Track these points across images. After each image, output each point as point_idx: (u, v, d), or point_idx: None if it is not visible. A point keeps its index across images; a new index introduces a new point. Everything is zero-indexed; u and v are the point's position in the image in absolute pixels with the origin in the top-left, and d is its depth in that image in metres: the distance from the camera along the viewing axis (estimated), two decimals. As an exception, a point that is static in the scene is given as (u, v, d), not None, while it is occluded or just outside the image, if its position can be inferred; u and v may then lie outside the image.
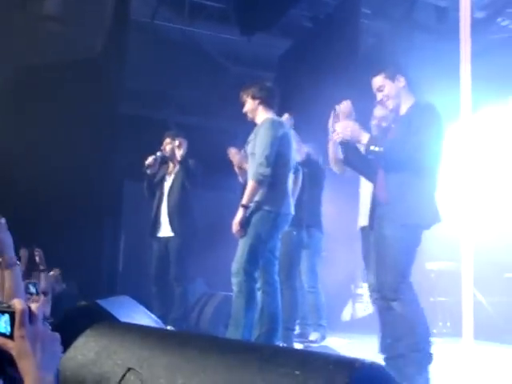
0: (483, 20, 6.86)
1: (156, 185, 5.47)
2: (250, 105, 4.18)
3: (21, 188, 4.95)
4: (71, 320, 3.01)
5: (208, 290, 5.75)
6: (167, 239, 5.32)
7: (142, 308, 3.69)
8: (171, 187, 5.43)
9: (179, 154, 5.33)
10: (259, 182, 3.89)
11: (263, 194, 3.91)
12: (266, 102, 4.17)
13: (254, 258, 3.89)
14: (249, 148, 4.10)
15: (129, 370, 1.67)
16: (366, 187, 4.40)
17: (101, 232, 5.62)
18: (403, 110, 3.50)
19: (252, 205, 3.90)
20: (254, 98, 4.16)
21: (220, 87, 6.95)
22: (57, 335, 1.20)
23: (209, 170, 6.54)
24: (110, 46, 6.03)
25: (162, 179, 5.47)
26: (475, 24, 6.93)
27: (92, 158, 5.44)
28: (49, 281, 4.10)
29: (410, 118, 3.43)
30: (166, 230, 5.35)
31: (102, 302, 3.14)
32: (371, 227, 3.57)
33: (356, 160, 3.69)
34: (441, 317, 6.53)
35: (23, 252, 4.24)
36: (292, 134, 4.83)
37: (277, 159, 3.95)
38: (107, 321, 2.34)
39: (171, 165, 5.50)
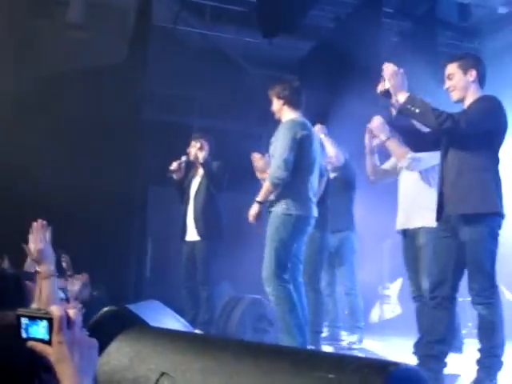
0: (507, 15, 6.78)
1: (184, 189, 5.50)
2: (275, 104, 4.18)
3: (47, 193, 4.99)
4: (102, 325, 3.04)
5: (235, 293, 5.76)
6: (194, 243, 5.37)
7: (170, 312, 3.71)
8: (197, 191, 5.46)
9: (201, 156, 5.35)
10: (275, 186, 3.91)
11: (284, 197, 3.92)
12: (291, 102, 4.13)
13: (281, 262, 3.90)
14: (271, 149, 4.10)
15: (162, 374, 1.68)
16: (406, 185, 4.37)
17: (127, 237, 5.66)
18: (467, 104, 3.45)
19: (274, 209, 3.92)
20: (278, 97, 4.14)
21: (242, 90, 6.97)
22: (94, 341, 1.22)
23: (234, 173, 6.56)
24: (133, 52, 6.08)
25: (190, 183, 5.51)
26: (498, 20, 6.89)
27: (118, 162, 5.48)
28: (77, 287, 4.14)
29: (467, 109, 3.39)
30: (192, 234, 5.40)
31: (132, 307, 3.17)
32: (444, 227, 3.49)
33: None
34: (470, 317, 6.45)
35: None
36: (321, 138, 4.91)
37: (298, 162, 3.93)
38: (138, 325, 2.36)
39: (197, 168, 5.53)
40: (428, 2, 6.50)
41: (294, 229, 3.93)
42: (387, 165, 4.55)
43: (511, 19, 6.79)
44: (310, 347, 4.58)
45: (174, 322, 3.43)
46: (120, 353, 1.93)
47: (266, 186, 3.95)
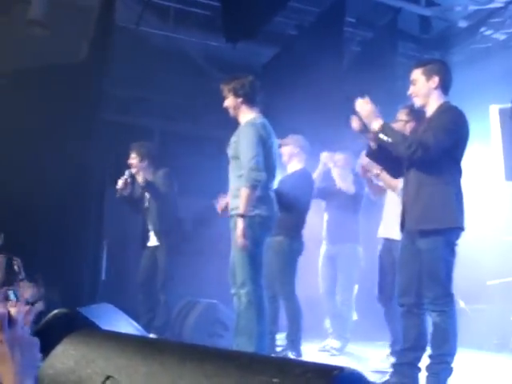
0: (467, 29, 6.93)
1: (137, 199, 5.51)
2: (231, 102, 4.03)
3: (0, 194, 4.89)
4: (51, 328, 2.99)
5: (191, 297, 5.73)
6: (155, 248, 5.39)
7: (124, 316, 3.67)
8: (150, 199, 5.51)
9: (140, 179, 5.36)
10: (254, 188, 3.79)
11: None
12: (250, 100, 4.02)
13: (256, 264, 3.84)
14: (230, 150, 3.99)
15: (107, 378, 1.65)
16: (391, 199, 4.44)
17: (82, 239, 5.58)
18: (430, 111, 3.50)
19: (238, 211, 3.79)
20: (236, 95, 4.01)
21: (205, 94, 6.94)
22: (35, 340, 1.19)
23: (193, 177, 6.54)
24: (93, 51, 5.99)
25: (143, 191, 5.54)
26: (459, 34, 7.04)
27: (73, 164, 5.40)
28: (29, 290, 4.05)
29: (429, 121, 3.45)
30: (153, 240, 5.45)
31: (83, 310, 3.12)
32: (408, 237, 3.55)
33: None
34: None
35: (0, 258, 4.19)
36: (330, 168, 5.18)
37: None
38: (85, 328, 2.32)
39: (142, 174, 5.57)
40: (390, 13, 6.59)
41: (261, 229, 3.89)
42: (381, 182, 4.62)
43: (471, 33, 6.94)
44: (289, 355, 4.60)
45: (126, 325, 3.39)
46: (65, 355, 1.89)
47: (245, 192, 3.78)
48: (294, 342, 4.75)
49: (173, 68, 6.81)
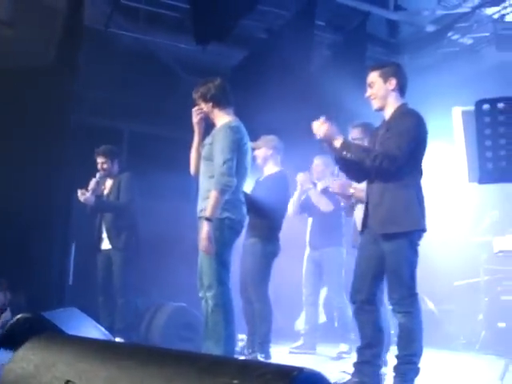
0: (434, 34, 7.03)
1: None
2: (204, 108, 4.00)
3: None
4: (15, 332, 2.94)
5: (159, 300, 5.71)
6: (109, 251, 5.39)
7: (89, 320, 3.62)
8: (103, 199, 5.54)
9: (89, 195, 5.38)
10: (224, 193, 3.75)
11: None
12: (220, 103, 3.99)
13: (223, 267, 3.80)
14: (204, 151, 3.96)
15: (67, 382, 1.63)
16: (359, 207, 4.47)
17: (49, 243, 5.52)
18: (388, 113, 3.54)
19: (204, 213, 3.75)
20: (205, 100, 3.98)
21: (175, 96, 6.91)
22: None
23: (163, 180, 6.51)
24: (62, 52, 5.92)
25: (101, 194, 5.56)
26: (426, 38, 7.14)
27: (41, 168, 5.33)
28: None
29: (388, 126, 3.48)
30: (107, 243, 5.46)
31: (48, 314, 3.07)
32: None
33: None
34: (393, 325, 6.62)
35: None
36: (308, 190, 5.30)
37: (236, 167, 3.82)
38: (46, 333, 2.28)
39: (108, 179, 5.58)
40: (359, 17, 6.65)
41: (230, 232, 3.86)
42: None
43: (438, 37, 7.04)
44: (258, 357, 4.58)
45: (91, 329, 3.34)
46: (25, 360, 1.86)
47: (214, 197, 3.73)
48: (263, 343, 4.75)
49: (143, 70, 6.77)
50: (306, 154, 6.01)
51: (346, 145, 3.42)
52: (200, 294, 3.88)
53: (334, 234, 5.65)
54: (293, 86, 6.27)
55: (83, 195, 5.30)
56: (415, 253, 3.44)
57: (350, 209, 4.57)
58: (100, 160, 5.51)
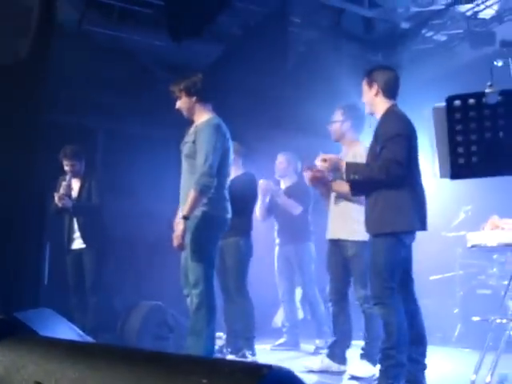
0: (409, 31, 7.08)
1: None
2: (185, 103, 3.97)
3: None
4: (-14, 334, 2.89)
5: (135, 299, 5.69)
6: (80, 251, 5.38)
7: (64, 321, 3.57)
8: (78, 202, 5.56)
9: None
10: (203, 193, 3.74)
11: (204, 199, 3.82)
12: (203, 98, 3.97)
13: (209, 263, 3.83)
14: (185, 149, 3.93)
15: (35, 383, 1.62)
16: (333, 202, 4.52)
17: (23, 243, 5.45)
18: (378, 116, 3.64)
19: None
20: (189, 94, 3.94)
21: (150, 93, 6.87)
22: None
23: (138, 178, 6.46)
24: (34, 50, 5.83)
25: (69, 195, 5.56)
26: (401, 35, 7.19)
27: (14, 167, 5.26)
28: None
29: (376, 133, 3.57)
30: (79, 243, 5.49)
31: (20, 315, 3.02)
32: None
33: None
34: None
35: None
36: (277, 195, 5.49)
37: (219, 165, 3.86)
38: (20, 334, 2.25)
39: (74, 180, 5.55)
40: (334, 14, 6.66)
41: (216, 229, 3.90)
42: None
43: (413, 34, 7.09)
44: (246, 354, 4.60)
45: (66, 330, 3.30)
46: (-6, 363, 1.84)
47: (193, 196, 3.72)
48: (248, 340, 4.78)
49: (117, 67, 6.71)
50: (280, 151, 6.03)
51: (348, 168, 3.51)
52: (185, 292, 3.90)
53: (302, 230, 5.70)
54: (269, 82, 6.27)
55: (61, 200, 5.27)
56: (398, 251, 3.48)
57: (327, 191, 4.60)
58: (68, 162, 5.48)
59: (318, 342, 5.60)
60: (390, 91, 3.63)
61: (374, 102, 3.62)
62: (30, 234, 5.50)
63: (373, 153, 3.58)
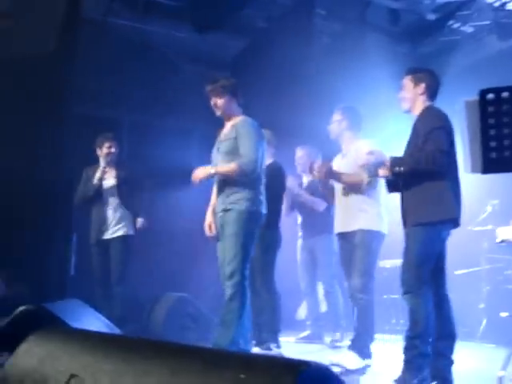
0: (435, 22, 6.99)
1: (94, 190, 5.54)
2: (226, 102, 4.15)
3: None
4: (17, 325, 2.93)
5: (161, 291, 5.74)
6: (109, 241, 5.42)
7: (92, 311, 3.62)
8: (111, 191, 5.63)
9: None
10: (242, 174, 3.93)
11: (247, 194, 4.02)
12: (237, 99, 4.19)
13: (247, 256, 3.96)
14: (225, 146, 4.10)
15: (72, 376, 1.63)
16: (340, 195, 4.57)
17: (50, 234, 5.51)
18: (415, 115, 3.75)
19: (237, 206, 3.98)
20: (226, 94, 4.14)
21: (173, 86, 6.89)
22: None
23: (162, 170, 6.48)
24: (61, 43, 5.87)
25: (100, 183, 5.64)
26: (427, 26, 7.10)
27: (42, 157, 5.32)
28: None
29: (417, 128, 3.67)
30: (109, 233, 5.54)
31: (50, 306, 3.07)
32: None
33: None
34: (394, 314, 6.63)
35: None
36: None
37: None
38: (53, 325, 2.28)
39: (108, 168, 5.59)
40: (359, 5, 6.60)
41: (255, 224, 4.05)
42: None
43: (439, 26, 7.00)
44: (271, 347, 4.63)
45: (94, 320, 3.35)
46: (29, 354, 1.86)
47: (233, 167, 3.94)
48: (273, 333, 4.78)
49: (142, 59, 6.73)
50: (303, 143, 6.01)
51: (395, 160, 3.57)
52: (224, 286, 3.98)
53: (324, 223, 5.69)
54: (292, 75, 6.24)
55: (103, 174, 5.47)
56: (434, 243, 3.54)
57: (330, 194, 4.80)
58: (108, 144, 5.55)
59: (333, 335, 5.60)
60: (434, 93, 3.79)
61: (417, 100, 3.74)
62: (57, 225, 5.56)
63: (412, 147, 3.65)
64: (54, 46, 5.88)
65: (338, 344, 5.46)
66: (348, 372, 4.08)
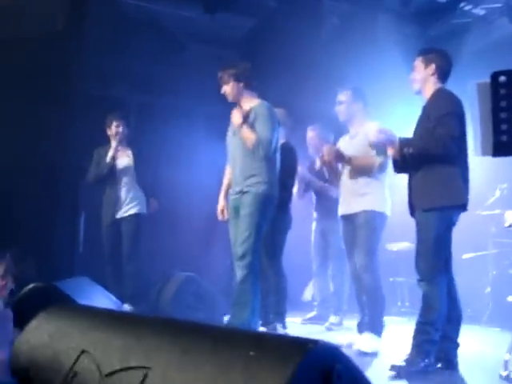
0: (446, 4, 6.91)
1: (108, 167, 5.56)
2: (233, 88, 4.19)
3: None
4: (27, 302, 2.96)
5: (168, 270, 5.78)
6: (122, 219, 5.45)
7: (100, 289, 3.66)
8: (127, 171, 5.64)
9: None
10: (257, 146, 4.00)
11: (264, 178, 4.10)
12: (251, 85, 4.23)
13: (259, 238, 4.05)
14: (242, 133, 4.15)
15: (82, 352, 1.65)
16: (345, 178, 4.55)
17: (58, 212, 5.55)
18: (426, 96, 3.72)
19: (254, 189, 4.07)
20: (238, 80, 4.18)
21: (181, 66, 6.86)
22: (8, 312, 1.17)
23: (171, 149, 6.48)
24: (69, 21, 5.86)
25: (114, 163, 5.64)
26: (438, 8, 7.01)
27: (48, 136, 5.33)
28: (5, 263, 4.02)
29: (427, 110, 3.63)
30: (122, 211, 5.54)
31: (60, 284, 3.10)
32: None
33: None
34: (400, 296, 6.65)
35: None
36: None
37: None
38: (62, 302, 2.30)
39: (121, 147, 5.61)
40: (370, -14, 6.53)
41: (269, 206, 4.14)
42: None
43: (450, 8, 6.92)
44: (277, 327, 4.66)
45: (103, 298, 3.38)
46: (40, 330, 1.88)
47: (253, 137, 4.02)
48: (280, 314, 4.80)
49: (150, 39, 6.69)
50: (313, 122, 5.97)
51: (404, 141, 3.57)
52: (235, 266, 4.05)
53: (337, 207, 5.67)
54: (302, 55, 6.20)
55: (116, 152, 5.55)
56: (447, 228, 3.54)
57: (337, 178, 4.76)
58: (116, 123, 5.56)
59: (332, 318, 5.61)
60: (445, 75, 3.74)
61: (427, 81, 3.70)
62: (65, 204, 5.59)
63: (422, 129, 3.61)
64: (62, 25, 5.86)
65: (335, 327, 5.47)
66: (361, 354, 4.06)
